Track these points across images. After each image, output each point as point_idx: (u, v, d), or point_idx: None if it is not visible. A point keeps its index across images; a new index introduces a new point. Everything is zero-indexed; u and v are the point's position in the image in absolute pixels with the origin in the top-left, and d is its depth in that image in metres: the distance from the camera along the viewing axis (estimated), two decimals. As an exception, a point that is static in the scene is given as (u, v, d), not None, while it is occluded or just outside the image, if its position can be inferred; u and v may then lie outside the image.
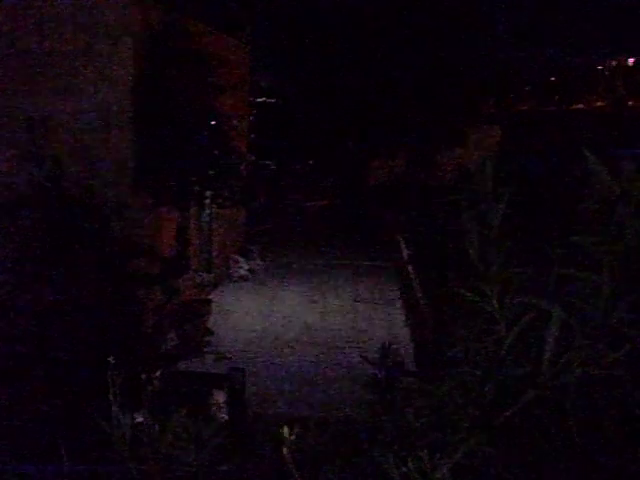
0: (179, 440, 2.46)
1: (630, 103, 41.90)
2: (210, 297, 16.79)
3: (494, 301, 1.75)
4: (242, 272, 20.36)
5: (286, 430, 2.56)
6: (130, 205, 13.49)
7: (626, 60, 47.59)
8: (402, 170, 32.55)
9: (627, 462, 1.69)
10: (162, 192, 14.21)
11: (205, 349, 14.36)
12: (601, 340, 1.60)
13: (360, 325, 16.18)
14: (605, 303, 1.58)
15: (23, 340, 12.01)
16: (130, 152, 13.52)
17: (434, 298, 12.81)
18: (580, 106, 44.99)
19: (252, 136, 23.79)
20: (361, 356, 2.80)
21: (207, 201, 16.68)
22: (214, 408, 9.74)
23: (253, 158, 21.53)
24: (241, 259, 20.75)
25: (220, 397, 9.25)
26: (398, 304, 17.89)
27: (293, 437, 2.52)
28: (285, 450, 2.50)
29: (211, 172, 14.98)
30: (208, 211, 17.97)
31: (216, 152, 15.02)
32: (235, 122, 17.84)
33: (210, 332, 15.11)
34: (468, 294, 1.79)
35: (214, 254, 19.08)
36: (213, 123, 15.48)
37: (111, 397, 2.70)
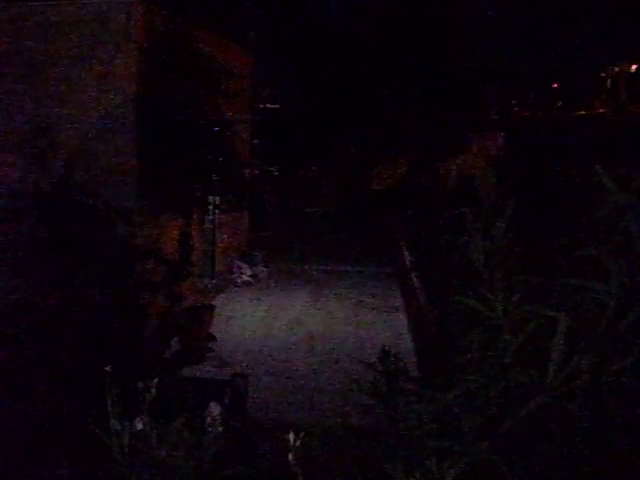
0: (178, 446, 2.45)
1: (632, 109, 41.85)
2: (213, 303, 16.77)
3: (499, 308, 1.75)
4: (245, 278, 20.36)
5: (292, 437, 2.55)
6: (134, 211, 13.50)
7: (629, 66, 47.56)
8: (405, 176, 32.57)
9: (634, 469, 1.68)
10: (166, 198, 14.23)
11: (208, 355, 14.34)
12: (608, 348, 1.59)
13: (363, 331, 16.15)
14: (612, 311, 1.58)
15: (27, 344, 12.00)
16: (134, 158, 13.54)
17: (438, 305, 12.78)
18: (582, 112, 44.96)
19: (255, 142, 23.80)
20: (362, 362, 2.78)
21: (210, 207, 16.70)
22: (213, 416, 9.70)
23: (256, 164, 21.54)
24: (244, 265, 20.74)
25: (216, 409, 9.22)
26: (401, 310, 17.87)
27: (298, 443, 2.51)
28: (291, 456, 2.49)
29: (214, 178, 15.00)
30: (211, 217, 17.98)
31: (220, 158, 15.04)
32: (238, 128, 17.87)
33: (213, 338, 15.09)
34: (472, 301, 1.79)
35: (217, 260, 19.09)
36: (217, 129, 15.50)
37: (109, 406, 2.68)
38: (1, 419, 10.20)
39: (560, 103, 48.58)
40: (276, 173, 31.96)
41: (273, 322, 16.86)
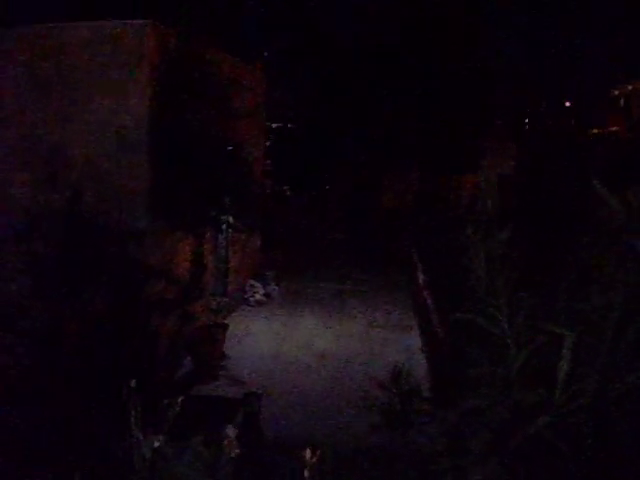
0: (196, 464, 2.47)
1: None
2: (226, 322, 16.80)
3: (504, 325, 1.76)
4: (258, 297, 20.38)
5: (308, 453, 2.56)
6: (146, 230, 13.56)
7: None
8: (418, 193, 32.59)
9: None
10: (178, 217, 14.29)
11: (220, 374, 14.36)
12: (612, 365, 1.60)
13: (375, 350, 16.12)
14: (613, 328, 1.59)
15: (39, 364, 12.05)
16: (146, 177, 13.62)
17: (449, 323, 12.76)
18: (595, 131, 44.90)
19: (268, 162, 23.91)
20: (376, 383, 2.80)
21: (223, 226, 16.76)
22: (230, 439, 9.69)
23: (268, 184, 21.62)
24: (257, 284, 20.78)
25: (232, 432, 9.20)
26: (414, 329, 17.84)
27: (315, 460, 2.53)
28: (307, 473, 2.51)
29: (227, 197, 15.06)
30: (224, 236, 18.04)
31: (232, 178, 15.11)
32: (251, 147, 17.96)
33: (225, 357, 15.11)
34: (479, 319, 1.80)
35: (230, 279, 19.12)
36: (229, 148, 15.59)
37: (132, 424, 2.71)
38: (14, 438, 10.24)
39: (573, 121, 48.55)
40: (288, 193, 32.06)
41: (285, 341, 16.87)
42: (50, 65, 13.90)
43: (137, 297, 13.33)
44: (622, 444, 1.73)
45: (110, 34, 13.74)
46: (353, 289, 22.63)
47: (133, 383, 3.06)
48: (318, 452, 2.24)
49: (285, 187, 32.00)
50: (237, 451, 2.72)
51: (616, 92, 49.03)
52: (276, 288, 21.48)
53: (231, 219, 16.13)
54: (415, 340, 16.87)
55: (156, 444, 2.66)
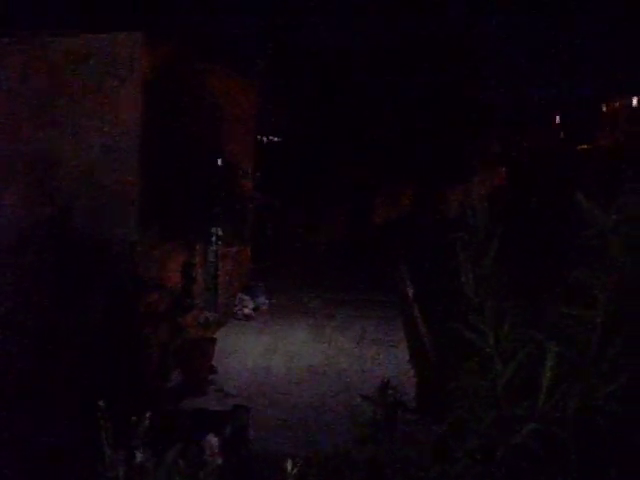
0: (174, 477, 2.47)
1: (633, 142, 42.08)
2: (215, 335, 16.77)
3: (490, 337, 1.78)
4: (247, 311, 20.34)
5: (289, 465, 2.57)
6: (137, 241, 13.55)
7: (629, 100, 47.92)
8: (407, 206, 32.69)
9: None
10: (169, 229, 14.29)
11: (209, 387, 14.32)
12: (596, 374, 1.62)
13: (365, 364, 16.12)
14: (599, 338, 1.62)
15: (29, 376, 12.01)
16: (137, 189, 13.62)
17: (436, 335, 12.80)
18: (584, 146, 45.22)
19: (258, 174, 23.93)
20: (361, 395, 2.82)
21: (213, 238, 16.76)
22: (212, 448, 9.66)
23: (259, 196, 21.63)
24: (246, 297, 20.74)
25: (214, 440, 9.18)
26: (404, 341, 17.85)
27: (295, 472, 2.53)
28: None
29: (217, 209, 15.08)
30: (214, 248, 18.03)
31: (223, 190, 15.13)
32: (242, 160, 17.99)
33: (214, 370, 15.07)
34: (465, 330, 1.82)
35: (219, 292, 19.10)
36: (220, 161, 15.62)
37: (103, 438, 2.71)
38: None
39: (562, 136, 48.91)
40: (278, 205, 32.08)
41: (275, 355, 16.84)
42: (42, 76, 13.93)
43: (128, 308, 13.31)
44: (606, 452, 1.75)
45: (103, 46, 13.78)
46: (343, 301, 22.63)
47: (102, 403, 3.04)
48: (300, 463, 2.25)
49: (276, 200, 32.02)
50: (219, 461, 2.72)
51: (604, 108, 49.41)
52: (266, 302, 21.45)
53: (221, 232, 16.14)
54: (403, 353, 16.87)
55: (138, 458, 2.66)
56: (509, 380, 1.87)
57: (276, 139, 35.19)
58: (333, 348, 17.54)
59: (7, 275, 13.44)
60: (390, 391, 2.63)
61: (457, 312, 2.04)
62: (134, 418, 2.72)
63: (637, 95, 47.52)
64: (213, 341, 15.88)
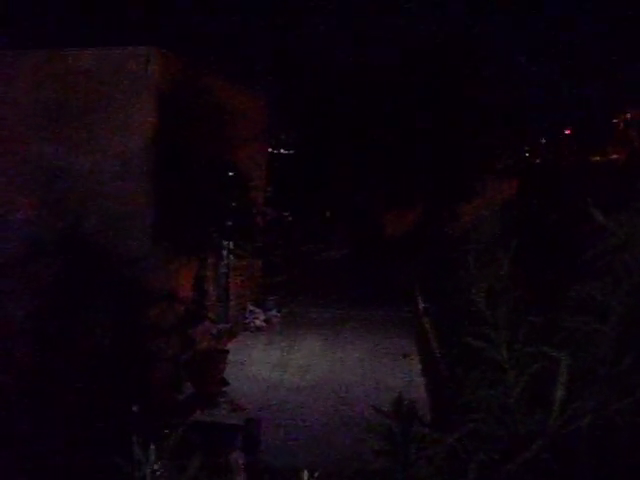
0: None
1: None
2: (226, 347, 16.78)
3: (503, 350, 1.80)
4: (258, 323, 20.37)
5: (305, 476, 2.58)
6: (149, 255, 13.59)
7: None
8: (418, 221, 32.65)
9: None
10: (180, 242, 14.34)
11: (221, 399, 14.31)
12: (609, 387, 1.63)
13: (376, 376, 16.08)
14: (611, 350, 1.63)
15: (41, 388, 12.05)
16: (149, 202, 13.68)
17: (449, 348, 12.76)
18: (596, 158, 45.12)
19: (269, 188, 24.00)
20: (374, 408, 2.82)
21: (224, 252, 16.80)
22: (238, 465, 9.70)
23: (270, 210, 21.69)
24: (257, 310, 20.78)
25: (240, 457, 9.22)
26: (415, 354, 17.81)
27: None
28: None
29: (229, 223, 15.12)
30: (225, 262, 18.08)
31: (234, 203, 15.18)
32: (253, 174, 18.05)
33: (226, 382, 15.08)
34: (478, 343, 1.83)
35: (231, 304, 19.13)
36: (231, 174, 15.66)
37: (134, 447, 2.73)
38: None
39: (574, 149, 48.81)
40: (290, 219, 32.12)
41: (286, 367, 16.82)
42: (55, 90, 14.02)
43: (139, 320, 13.35)
44: (620, 467, 1.76)
45: (115, 60, 13.88)
46: (354, 315, 22.61)
47: (136, 408, 3.08)
48: (316, 475, 2.27)
49: (286, 213, 32.07)
50: (243, 478, 2.74)
51: (616, 120, 49.31)
52: (277, 314, 21.47)
53: (233, 245, 16.19)
54: (415, 366, 16.84)
55: (155, 468, 2.68)
56: (522, 393, 1.88)
57: (288, 153, 35.29)
58: (344, 361, 17.51)
59: (18, 285, 13.51)
60: (405, 405, 2.64)
61: (469, 325, 2.06)
62: (166, 430, 2.75)
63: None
64: (225, 353, 15.89)
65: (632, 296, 1.74)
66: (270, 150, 27.51)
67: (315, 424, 13.24)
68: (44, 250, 13.46)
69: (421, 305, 18.71)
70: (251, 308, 20.63)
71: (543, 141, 49.82)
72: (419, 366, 16.73)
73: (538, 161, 45.38)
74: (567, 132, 51.38)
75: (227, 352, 16.06)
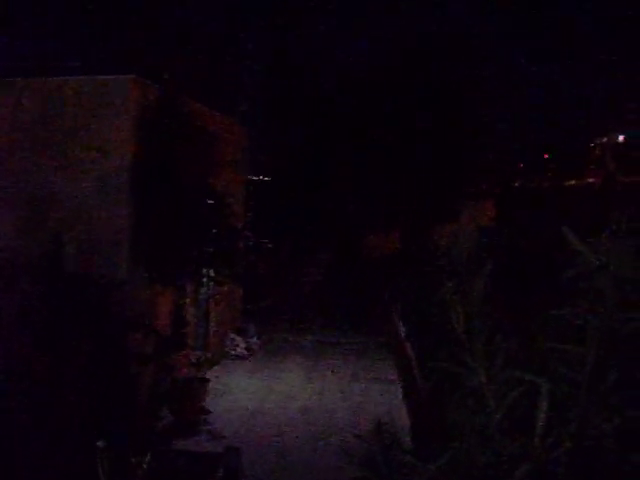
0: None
1: (620, 178, 42.46)
2: (206, 376, 16.65)
3: (481, 376, 1.79)
4: (239, 350, 20.26)
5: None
6: (127, 281, 13.53)
7: (616, 137, 48.46)
8: (397, 245, 32.73)
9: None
10: (159, 268, 14.26)
11: (201, 428, 14.19)
12: (590, 410, 1.63)
13: (357, 404, 16.02)
14: (590, 375, 1.62)
15: (17, 412, 11.87)
16: (128, 227, 13.67)
17: (430, 374, 12.74)
18: (572, 182, 45.58)
19: (249, 214, 23.99)
20: (355, 435, 2.80)
21: (204, 279, 16.71)
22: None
23: (250, 236, 21.66)
24: (238, 337, 20.67)
25: None
26: (395, 381, 17.76)
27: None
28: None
29: (208, 249, 15.06)
30: (205, 288, 17.99)
31: (213, 230, 15.13)
32: (232, 200, 18.02)
33: (206, 411, 14.95)
34: (456, 369, 1.82)
35: (211, 332, 19.02)
36: (211, 201, 15.63)
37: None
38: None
39: (550, 174, 49.27)
40: (270, 245, 32.07)
41: (267, 395, 16.72)
42: (35, 116, 14.08)
43: (116, 348, 13.22)
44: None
45: (95, 88, 13.98)
46: (334, 341, 22.57)
47: (101, 443, 3.04)
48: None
49: (266, 240, 32.03)
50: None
51: (592, 144, 49.92)
52: (257, 341, 21.38)
53: (212, 272, 16.11)
54: (396, 392, 16.79)
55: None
56: (502, 418, 1.87)
57: (266, 179, 35.33)
58: (325, 389, 17.44)
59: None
60: (384, 431, 2.62)
61: (448, 350, 2.05)
62: (133, 459, 2.72)
63: (623, 132, 48.10)
64: (205, 381, 15.77)
65: (608, 320, 1.74)
66: (249, 177, 27.53)
67: (296, 453, 13.14)
68: (25, 269, 13.36)
69: (402, 330, 18.69)
70: (231, 336, 20.52)
71: (521, 165, 50.23)
72: (400, 392, 16.69)
73: (516, 184, 45.72)
74: (545, 156, 51.89)
75: (207, 380, 15.94)
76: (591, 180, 45.00)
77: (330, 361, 20.10)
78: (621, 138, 48.70)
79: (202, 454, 11.89)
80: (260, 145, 30.70)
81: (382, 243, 33.18)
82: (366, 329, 23.45)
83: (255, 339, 21.30)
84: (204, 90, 18.74)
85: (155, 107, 14.47)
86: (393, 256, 31.46)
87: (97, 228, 13.70)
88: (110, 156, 13.76)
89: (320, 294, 29.64)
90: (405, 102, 30.40)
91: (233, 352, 20.13)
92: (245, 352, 20.31)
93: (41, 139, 14.06)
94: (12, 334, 13.15)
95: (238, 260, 16.57)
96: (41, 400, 12.07)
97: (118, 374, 13.10)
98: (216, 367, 18.73)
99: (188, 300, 16.74)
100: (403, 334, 18.28)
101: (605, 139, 49.34)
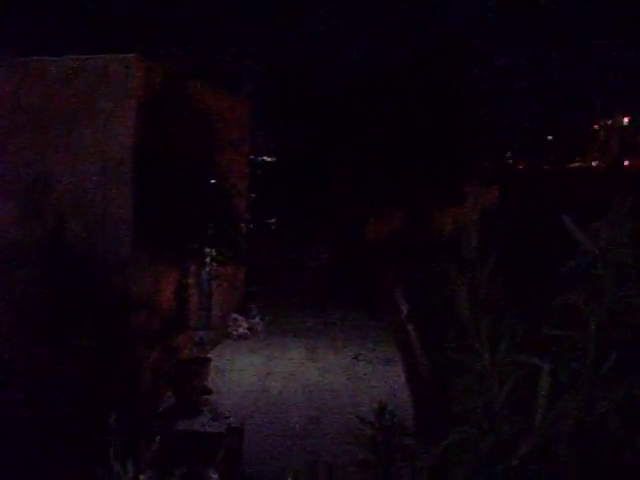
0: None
1: (625, 161, 42.33)
2: (209, 355, 16.71)
3: (486, 359, 1.79)
4: (241, 330, 20.31)
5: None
6: (130, 262, 13.53)
7: (621, 119, 48.19)
8: (401, 228, 32.70)
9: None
10: (162, 249, 14.27)
11: (203, 408, 14.24)
12: (591, 391, 1.63)
13: (360, 384, 16.07)
14: (591, 358, 1.62)
15: (20, 398, 11.92)
16: (131, 209, 13.63)
17: (432, 356, 12.77)
18: (576, 165, 45.42)
19: (252, 195, 23.96)
20: (358, 418, 2.81)
21: (207, 259, 16.73)
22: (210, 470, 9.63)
23: (253, 217, 21.65)
24: (240, 317, 20.71)
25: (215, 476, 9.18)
26: (398, 362, 17.80)
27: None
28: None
29: (211, 230, 15.06)
30: (208, 269, 18.00)
31: (216, 210, 15.12)
32: (235, 180, 18.00)
33: (208, 391, 15.00)
34: (460, 353, 1.83)
35: (213, 312, 19.05)
36: (214, 181, 15.62)
37: (112, 458, 2.70)
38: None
39: (554, 156, 49.09)
40: (273, 227, 32.10)
41: (269, 375, 16.78)
42: (37, 96, 13.98)
43: (120, 329, 13.25)
44: (605, 470, 1.75)
45: (97, 67, 13.86)
46: (337, 322, 22.60)
47: (113, 418, 3.04)
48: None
49: (270, 220, 32.04)
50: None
51: (596, 126, 49.69)
52: (260, 321, 21.42)
53: (215, 252, 16.12)
54: (399, 373, 16.84)
55: (141, 479, 2.66)
56: (506, 401, 1.87)
57: (270, 160, 35.27)
58: (327, 367, 17.49)
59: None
60: (387, 414, 2.62)
61: (452, 332, 2.04)
62: (142, 440, 2.72)
63: (628, 114, 47.85)
64: (207, 361, 15.82)
65: (609, 305, 1.74)
66: (253, 157, 27.48)
67: (298, 433, 13.21)
68: (25, 254, 13.35)
69: (404, 312, 18.72)
70: (234, 316, 20.55)
71: (523, 147, 50.06)
72: (402, 373, 16.73)
73: (520, 167, 45.60)
74: (549, 138, 51.68)
75: (210, 360, 15.99)
76: (594, 163, 44.87)
77: (333, 341, 20.14)
78: (626, 120, 48.42)
79: (204, 434, 11.94)
80: (264, 125, 30.67)
81: (386, 226, 33.14)
82: (369, 311, 23.47)
83: (258, 320, 21.34)
84: (208, 69, 18.64)
85: (158, 86, 14.40)
86: (397, 239, 31.45)
87: (100, 208, 13.66)
88: (113, 137, 13.69)
89: (323, 276, 29.67)
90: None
91: (235, 332, 20.17)
92: (247, 332, 20.36)
93: (42, 120, 13.97)
94: (14, 317, 13.17)
95: (241, 240, 16.58)
96: (42, 385, 12.11)
97: (121, 355, 13.15)
98: (219, 347, 18.79)
99: (191, 280, 16.76)
100: (405, 316, 18.31)
101: (610, 121, 49.07)
